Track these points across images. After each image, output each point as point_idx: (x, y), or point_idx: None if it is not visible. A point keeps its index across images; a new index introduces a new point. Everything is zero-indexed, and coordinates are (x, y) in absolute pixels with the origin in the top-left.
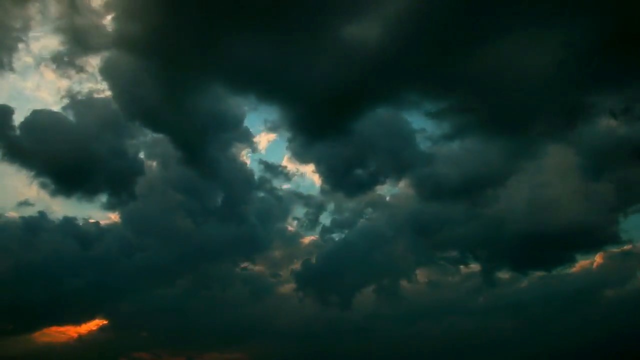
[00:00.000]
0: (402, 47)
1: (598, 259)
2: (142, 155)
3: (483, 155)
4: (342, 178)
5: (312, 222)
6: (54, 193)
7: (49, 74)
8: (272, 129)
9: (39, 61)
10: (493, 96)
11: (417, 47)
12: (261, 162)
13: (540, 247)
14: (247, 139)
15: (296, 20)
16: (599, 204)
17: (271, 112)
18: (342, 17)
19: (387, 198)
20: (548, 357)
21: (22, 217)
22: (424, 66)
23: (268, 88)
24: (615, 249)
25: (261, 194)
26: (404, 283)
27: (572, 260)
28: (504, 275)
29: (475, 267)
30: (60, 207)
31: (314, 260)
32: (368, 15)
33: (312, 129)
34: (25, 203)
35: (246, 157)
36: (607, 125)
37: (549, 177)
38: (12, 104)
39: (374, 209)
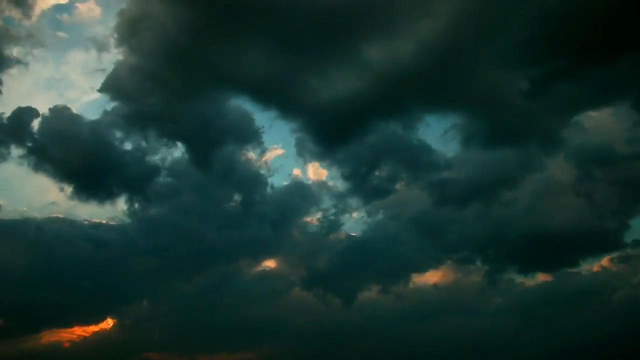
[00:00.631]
0: (416, 67)
1: (605, 261)
2: (156, 159)
3: (491, 162)
4: (359, 183)
5: (328, 223)
6: (71, 196)
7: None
8: (291, 136)
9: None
10: (501, 110)
11: (430, 67)
12: (276, 168)
13: (547, 249)
14: (264, 146)
15: (320, 37)
16: (606, 208)
17: (292, 122)
18: (364, 37)
19: (399, 202)
20: (554, 358)
21: (38, 219)
22: (437, 84)
23: (288, 100)
24: (622, 252)
25: (275, 198)
26: (413, 284)
27: (578, 264)
28: (511, 276)
29: (483, 267)
30: (76, 210)
31: (327, 262)
32: (389, 35)
33: (330, 138)
34: (42, 205)
35: (261, 163)
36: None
37: (554, 182)
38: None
39: (386, 211)
